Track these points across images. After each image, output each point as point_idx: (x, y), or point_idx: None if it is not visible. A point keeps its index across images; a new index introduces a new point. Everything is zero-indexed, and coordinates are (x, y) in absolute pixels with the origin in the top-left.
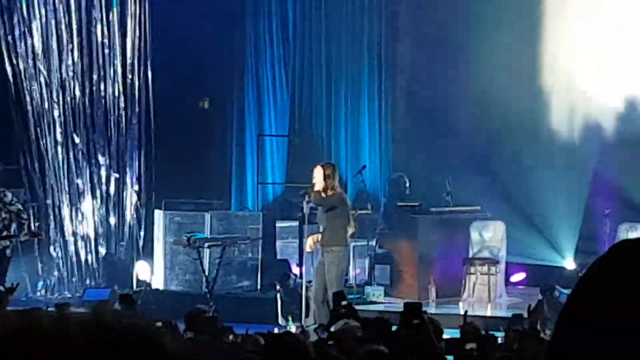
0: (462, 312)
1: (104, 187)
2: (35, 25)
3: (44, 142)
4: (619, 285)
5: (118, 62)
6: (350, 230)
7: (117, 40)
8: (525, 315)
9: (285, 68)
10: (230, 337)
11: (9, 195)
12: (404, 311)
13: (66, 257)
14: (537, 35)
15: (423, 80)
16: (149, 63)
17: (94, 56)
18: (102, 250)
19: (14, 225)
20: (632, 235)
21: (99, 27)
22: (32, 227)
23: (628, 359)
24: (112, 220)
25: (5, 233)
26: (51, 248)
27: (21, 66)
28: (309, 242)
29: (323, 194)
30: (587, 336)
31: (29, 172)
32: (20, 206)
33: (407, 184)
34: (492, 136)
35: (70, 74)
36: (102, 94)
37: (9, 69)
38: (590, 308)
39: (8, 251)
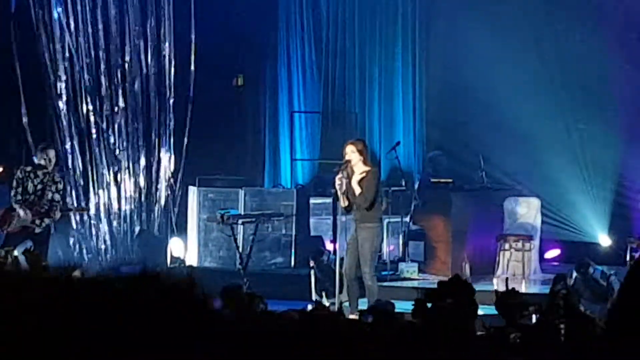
0: (496, 289)
1: (138, 164)
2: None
3: (79, 119)
4: None
5: (153, 39)
6: (383, 206)
7: (153, 18)
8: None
9: (319, 45)
10: (261, 306)
11: (62, 184)
12: (438, 289)
13: (100, 234)
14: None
15: (458, 56)
16: (192, 40)
17: (129, 33)
18: (136, 227)
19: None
20: None
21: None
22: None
23: None
24: (146, 197)
25: (54, 208)
26: (85, 225)
27: (57, 43)
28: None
29: (358, 182)
30: None
31: (68, 150)
32: (60, 197)
33: (445, 162)
34: (526, 112)
35: (106, 50)
36: (137, 71)
37: (44, 45)
38: None
39: (52, 229)
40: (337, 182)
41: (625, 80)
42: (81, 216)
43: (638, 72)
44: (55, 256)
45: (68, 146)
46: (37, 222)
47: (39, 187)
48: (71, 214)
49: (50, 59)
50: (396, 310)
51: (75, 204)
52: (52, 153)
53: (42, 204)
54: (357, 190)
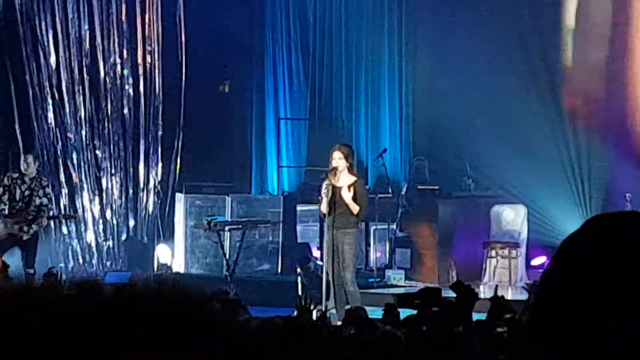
0: (482, 296)
1: (125, 171)
2: (58, 5)
3: (64, 125)
4: (592, 259)
5: (139, 45)
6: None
7: (140, 25)
8: None
9: (305, 51)
10: (246, 316)
11: (50, 188)
12: (422, 297)
13: (87, 241)
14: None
15: (444, 63)
16: (181, 47)
17: (114, 39)
18: (124, 234)
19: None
20: None
21: (122, 9)
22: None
23: (601, 330)
24: (134, 203)
25: (42, 214)
26: (72, 231)
27: (40, 50)
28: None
29: (348, 189)
30: (562, 310)
31: (50, 157)
32: (48, 202)
33: (427, 169)
34: (513, 118)
35: (90, 56)
36: (124, 78)
37: (30, 51)
38: (565, 282)
39: (40, 236)
40: (324, 190)
41: (613, 87)
42: (67, 223)
43: (625, 80)
44: (44, 263)
45: (55, 152)
46: (25, 228)
47: (27, 193)
48: (58, 220)
49: (36, 65)
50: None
51: (63, 211)
52: (30, 158)
53: (30, 211)
54: (355, 208)
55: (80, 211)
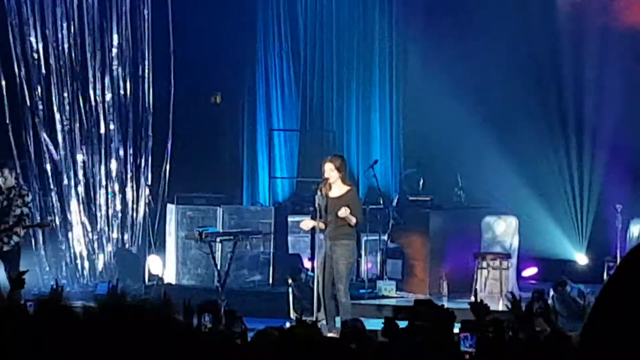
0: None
1: (116, 181)
2: (48, 18)
3: (55, 135)
4: None
5: (129, 56)
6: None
7: (131, 36)
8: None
9: (297, 62)
10: (242, 327)
11: (30, 197)
12: (415, 308)
13: (77, 252)
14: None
15: (436, 73)
16: (172, 58)
17: (105, 50)
18: (114, 245)
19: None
20: None
21: (113, 21)
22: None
23: None
24: (125, 214)
25: (20, 226)
26: (62, 242)
27: (30, 57)
28: (307, 224)
29: (341, 198)
30: (619, 327)
31: (40, 166)
32: (29, 211)
33: (421, 181)
34: (502, 129)
35: (81, 67)
36: (115, 88)
37: (21, 61)
38: (622, 300)
39: (21, 246)
40: (316, 200)
41: (604, 100)
42: (58, 233)
43: (616, 93)
44: (34, 275)
45: (44, 163)
46: (5, 239)
47: (5, 203)
48: (33, 230)
49: (26, 75)
50: (372, 328)
51: (56, 221)
52: (6, 172)
53: (7, 221)
54: (353, 221)
55: (70, 222)
